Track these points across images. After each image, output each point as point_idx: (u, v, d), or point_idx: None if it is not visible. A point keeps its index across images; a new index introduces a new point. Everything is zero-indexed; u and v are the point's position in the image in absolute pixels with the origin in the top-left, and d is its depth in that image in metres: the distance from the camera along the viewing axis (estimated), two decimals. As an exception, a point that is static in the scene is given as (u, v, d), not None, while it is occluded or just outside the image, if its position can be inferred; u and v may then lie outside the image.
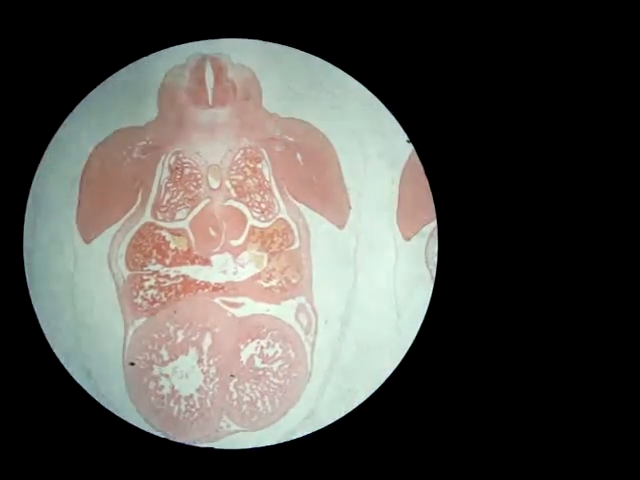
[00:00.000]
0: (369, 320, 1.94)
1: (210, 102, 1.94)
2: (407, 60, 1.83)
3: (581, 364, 1.76)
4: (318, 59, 1.90)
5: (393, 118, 1.92)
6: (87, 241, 1.91)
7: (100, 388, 1.89)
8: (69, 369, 1.88)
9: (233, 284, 1.93)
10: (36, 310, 1.85)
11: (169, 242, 1.93)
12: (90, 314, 1.90)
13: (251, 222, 1.94)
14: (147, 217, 1.93)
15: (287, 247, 1.94)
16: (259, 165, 1.95)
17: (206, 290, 1.93)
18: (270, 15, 1.83)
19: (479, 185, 1.80)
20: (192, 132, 1.94)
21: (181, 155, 1.93)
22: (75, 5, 1.77)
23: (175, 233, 1.92)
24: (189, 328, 1.92)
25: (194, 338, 1.92)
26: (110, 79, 1.88)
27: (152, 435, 1.87)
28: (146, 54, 1.87)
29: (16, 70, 1.74)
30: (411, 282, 1.94)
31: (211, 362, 1.92)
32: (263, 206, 1.94)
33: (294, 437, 1.91)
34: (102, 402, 1.87)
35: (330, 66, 1.91)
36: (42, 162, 1.86)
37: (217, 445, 1.90)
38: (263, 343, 1.93)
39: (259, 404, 1.92)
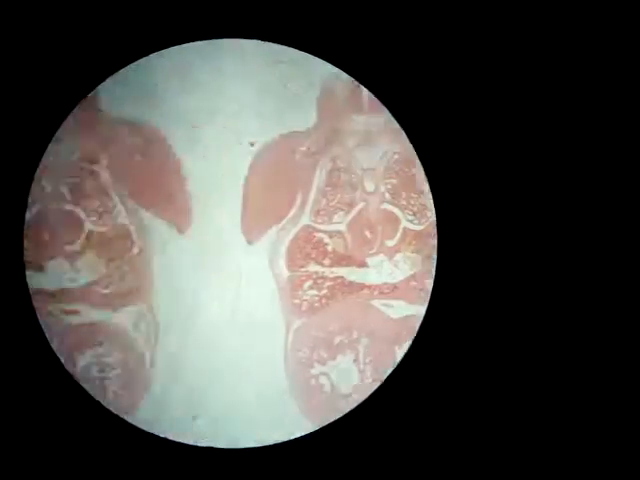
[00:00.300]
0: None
1: (365, 109, 1.99)
2: (407, 60, 1.84)
3: (580, 364, 1.76)
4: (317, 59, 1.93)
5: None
6: (249, 242, 1.97)
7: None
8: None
9: (389, 286, 1.97)
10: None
11: (327, 244, 1.98)
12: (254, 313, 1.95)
13: (404, 224, 1.99)
14: (306, 220, 1.98)
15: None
16: (413, 169, 1.99)
17: (363, 291, 1.97)
18: (269, 15, 1.84)
19: (477, 184, 1.80)
20: (348, 138, 1.99)
21: (338, 160, 1.99)
22: (75, 5, 1.77)
23: (333, 235, 1.97)
24: (346, 329, 1.96)
25: (351, 338, 1.96)
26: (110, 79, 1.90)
27: (152, 435, 1.88)
28: (146, 54, 1.89)
29: (16, 70, 1.74)
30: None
31: (367, 361, 1.96)
32: (416, 209, 1.99)
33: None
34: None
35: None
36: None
37: (218, 445, 1.92)
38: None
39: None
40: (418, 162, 1.99)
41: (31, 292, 1.82)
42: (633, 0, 1.78)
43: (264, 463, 1.79)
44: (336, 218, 1.99)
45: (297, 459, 1.80)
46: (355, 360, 1.97)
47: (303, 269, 1.98)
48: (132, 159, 1.94)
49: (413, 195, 1.99)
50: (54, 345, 1.85)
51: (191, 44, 1.89)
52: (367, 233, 1.98)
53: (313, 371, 1.97)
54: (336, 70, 1.94)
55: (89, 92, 1.86)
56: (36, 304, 1.82)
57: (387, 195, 1.99)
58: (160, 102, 1.93)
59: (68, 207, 1.92)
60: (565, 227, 1.79)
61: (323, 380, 1.96)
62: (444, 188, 1.84)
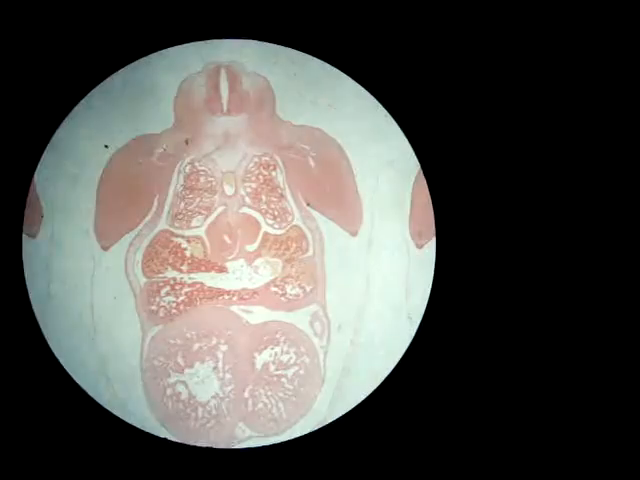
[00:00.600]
0: (381, 325, 1.96)
1: (225, 110, 1.95)
2: (406, 60, 1.84)
3: (579, 365, 1.77)
4: (317, 59, 1.92)
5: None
6: (105, 248, 1.92)
7: (118, 393, 1.90)
8: (80, 375, 1.88)
9: (248, 291, 1.94)
10: (47, 316, 1.86)
11: (185, 249, 1.94)
12: (108, 321, 1.90)
13: (265, 229, 1.95)
14: (163, 225, 1.93)
15: (302, 254, 1.95)
16: (273, 172, 1.96)
17: (222, 297, 1.94)
18: (269, 15, 1.84)
19: (478, 187, 1.81)
20: (207, 140, 1.95)
21: (196, 163, 1.94)
22: (75, 5, 1.77)
23: (191, 240, 1.93)
24: (205, 335, 1.93)
25: (209, 345, 1.93)
26: (112, 78, 1.89)
27: (152, 435, 1.87)
28: (146, 54, 1.88)
29: (16, 70, 1.74)
30: (423, 290, 1.96)
31: (226, 368, 1.93)
32: (277, 213, 1.96)
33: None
34: (115, 406, 1.87)
35: (328, 66, 1.93)
36: (42, 161, 1.87)
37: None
38: (277, 350, 1.94)
39: (274, 410, 1.93)
40: (280, 164, 1.96)
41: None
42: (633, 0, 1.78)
43: (263, 463, 1.79)
44: (194, 222, 1.94)
45: (297, 459, 1.80)
46: (214, 368, 1.93)
47: (160, 275, 1.93)
48: None
49: (273, 199, 1.96)
50: None
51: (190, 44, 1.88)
52: (226, 238, 1.94)
53: (170, 380, 1.92)
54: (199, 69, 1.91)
55: (89, 92, 1.86)
56: None
57: (247, 199, 1.95)
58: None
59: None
60: (565, 228, 1.79)
61: (180, 388, 1.92)
62: (444, 188, 1.84)
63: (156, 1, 1.81)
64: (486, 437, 1.77)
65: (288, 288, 1.95)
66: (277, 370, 1.94)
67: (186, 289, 1.94)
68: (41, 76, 1.76)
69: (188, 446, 1.86)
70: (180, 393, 1.92)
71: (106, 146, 1.91)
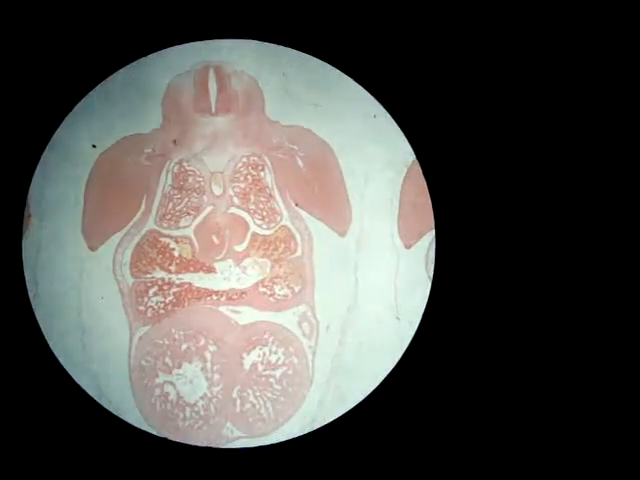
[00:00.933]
0: (370, 325, 1.96)
1: (213, 110, 1.95)
2: (405, 60, 1.85)
3: (579, 365, 1.77)
4: (316, 59, 1.92)
5: (395, 125, 1.94)
6: (93, 248, 1.91)
7: (106, 393, 1.90)
8: (73, 374, 1.88)
9: (236, 291, 1.94)
10: (38, 315, 1.85)
11: (173, 249, 1.93)
12: (96, 321, 1.90)
13: (253, 229, 1.95)
14: (151, 224, 1.93)
15: (290, 254, 1.95)
16: (262, 173, 1.96)
17: (210, 297, 1.93)
18: (268, 15, 1.84)
19: (478, 186, 1.81)
20: (195, 140, 1.95)
21: (185, 163, 1.94)
22: (75, 5, 1.77)
23: (179, 240, 1.93)
24: (193, 336, 1.92)
25: (198, 345, 1.92)
26: (110, 79, 1.89)
27: (152, 435, 1.87)
28: (146, 54, 1.88)
29: (16, 70, 1.74)
30: (411, 289, 1.96)
31: (215, 369, 1.92)
32: (265, 213, 1.96)
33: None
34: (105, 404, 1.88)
35: (328, 67, 1.92)
36: (41, 162, 1.86)
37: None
38: (266, 350, 1.94)
39: (262, 411, 1.93)
40: (269, 165, 1.96)
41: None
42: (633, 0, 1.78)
43: (263, 463, 1.79)
44: (183, 222, 1.94)
45: (297, 459, 1.80)
46: (203, 368, 1.92)
47: (149, 275, 1.93)
48: None
49: (262, 199, 1.96)
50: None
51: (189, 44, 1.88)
52: (214, 238, 1.94)
53: (157, 380, 1.92)
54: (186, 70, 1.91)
55: (88, 91, 1.85)
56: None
57: (235, 199, 1.95)
58: None
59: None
60: (566, 229, 1.79)
61: (168, 389, 1.92)
62: (443, 189, 1.84)
63: (156, 1, 1.80)
64: (486, 437, 1.77)
65: (277, 288, 1.95)
66: (265, 370, 1.94)
67: (174, 289, 1.93)
68: (41, 76, 1.76)
69: (188, 446, 1.86)
70: (168, 394, 1.91)
71: (94, 146, 1.90)
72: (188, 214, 1.94)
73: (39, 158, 1.83)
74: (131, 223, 1.93)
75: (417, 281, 1.96)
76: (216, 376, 1.93)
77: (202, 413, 1.92)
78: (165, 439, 1.86)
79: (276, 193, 1.96)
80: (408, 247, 1.97)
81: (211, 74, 1.94)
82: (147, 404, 1.91)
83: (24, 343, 1.74)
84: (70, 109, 1.85)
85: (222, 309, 1.94)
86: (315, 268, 1.95)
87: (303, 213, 1.96)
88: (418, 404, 1.78)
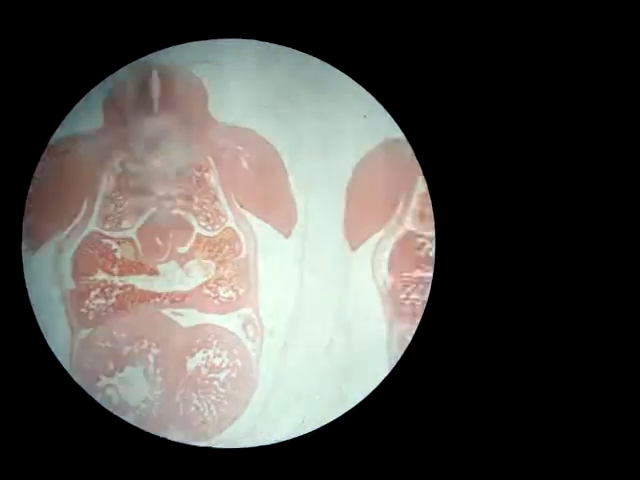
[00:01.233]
0: (316, 329, 1.95)
1: (156, 110, 1.93)
2: (406, 60, 1.83)
3: (579, 365, 1.77)
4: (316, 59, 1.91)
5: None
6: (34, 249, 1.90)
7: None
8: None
9: (180, 294, 1.92)
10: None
11: (116, 251, 1.92)
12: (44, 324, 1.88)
13: (198, 230, 1.93)
14: (93, 226, 1.91)
15: (235, 256, 1.93)
16: (206, 173, 1.94)
17: (153, 300, 1.92)
18: (268, 15, 1.83)
19: (477, 185, 1.79)
20: (138, 140, 1.93)
21: (127, 164, 1.92)
22: (75, 5, 1.76)
23: (121, 242, 1.91)
24: (136, 338, 1.91)
25: (140, 348, 1.91)
26: (109, 78, 1.88)
27: (152, 435, 1.85)
28: (145, 54, 1.87)
29: (16, 70, 1.73)
30: (356, 291, 1.95)
31: (158, 372, 1.91)
32: (209, 215, 1.94)
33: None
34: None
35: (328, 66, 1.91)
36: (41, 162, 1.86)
37: (214, 445, 1.90)
38: (210, 353, 1.92)
39: (206, 414, 1.92)
40: (213, 165, 1.94)
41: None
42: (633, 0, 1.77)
43: (262, 463, 1.77)
44: (125, 224, 1.92)
45: (296, 459, 1.78)
46: (145, 371, 1.91)
47: (90, 277, 1.91)
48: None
49: (206, 200, 1.94)
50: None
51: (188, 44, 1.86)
52: (158, 240, 1.92)
53: (99, 384, 1.90)
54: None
55: (88, 91, 1.84)
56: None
57: (179, 200, 1.93)
58: None
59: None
60: (566, 231, 1.77)
61: (110, 392, 1.90)
62: (443, 190, 1.81)
63: (156, 1, 1.79)
64: (486, 437, 1.76)
65: (221, 291, 1.93)
66: (209, 373, 1.92)
67: (117, 292, 1.91)
68: (41, 76, 1.74)
69: (187, 446, 1.85)
70: (111, 397, 1.90)
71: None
72: (131, 216, 1.92)
73: (39, 158, 1.82)
74: (72, 225, 1.91)
75: (362, 283, 1.95)
76: (159, 379, 1.91)
77: (144, 416, 1.90)
78: (165, 439, 1.85)
79: (220, 194, 1.95)
80: (354, 249, 1.96)
81: (154, 74, 1.91)
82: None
83: (24, 343, 1.72)
84: (69, 108, 1.83)
85: (165, 312, 1.93)
86: (259, 270, 1.94)
87: (248, 215, 1.94)
88: (418, 405, 1.77)
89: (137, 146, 1.92)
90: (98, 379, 1.90)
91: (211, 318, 1.94)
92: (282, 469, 1.77)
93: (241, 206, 1.93)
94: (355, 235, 1.97)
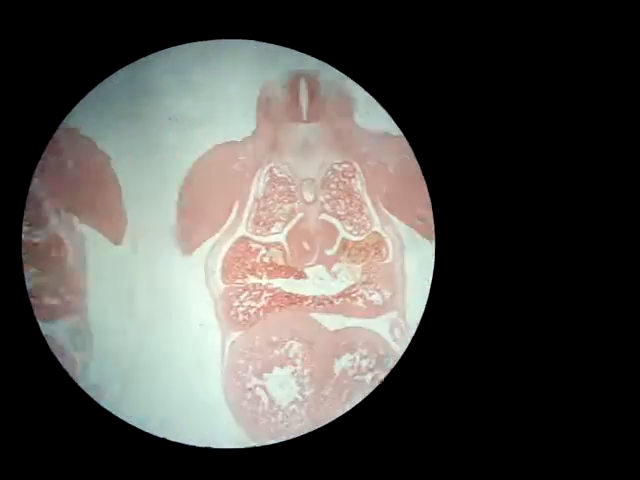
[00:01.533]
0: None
1: (305, 118, 1.97)
2: (407, 60, 1.84)
3: (579, 366, 1.76)
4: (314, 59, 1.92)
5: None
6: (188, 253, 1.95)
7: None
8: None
9: (327, 297, 1.96)
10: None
11: (264, 255, 1.96)
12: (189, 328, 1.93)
13: (343, 235, 1.97)
14: (242, 231, 1.96)
15: (381, 260, 1.96)
16: (353, 180, 1.98)
17: (301, 303, 1.95)
18: (268, 15, 1.84)
19: (478, 188, 1.79)
20: (287, 147, 1.97)
21: (276, 170, 1.96)
22: (75, 5, 1.77)
23: (271, 247, 1.95)
24: (284, 341, 1.95)
25: (289, 350, 1.95)
26: (109, 79, 1.89)
27: (152, 435, 1.86)
28: (145, 54, 1.88)
29: (16, 70, 1.74)
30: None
31: (305, 373, 1.94)
32: (356, 220, 1.97)
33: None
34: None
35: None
36: (41, 162, 1.86)
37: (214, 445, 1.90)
38: (357, 355, 1.95)
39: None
40: (359, 171, 1.97)
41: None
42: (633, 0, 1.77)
43: (262, 463, 1.78)
44: (274, 229, 1.96)
45: (296, 459, 1.79)
46: (294, 372, 1.95)
47: (240, 281, 1.95)
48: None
49: (352, 206, 1.98)
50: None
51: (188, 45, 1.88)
52: (305, 244, 1.96)
53: (249, 384, 1.94)
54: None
55: (88, 91, 1.85)
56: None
57: (326, 206, 1.97)
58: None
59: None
60: (567, 232, 1.78)
61: (260, 392, 1.94)
62: (443, 190, 1.82)
63: (156, 1, 1.80)
64: (486, 437, 1.76)
65: (367, 295, 1.97)
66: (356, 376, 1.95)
67: (266, 294, 1.96)
68: (41, 76, 1.75)
69: (187, 446, 1.84)
70: (260, 397, 1.94)
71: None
72: (280, 220, 1.96)
73: (39, 158, 1.82)
74: (222, 229, 1.96)
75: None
76: (307, 380, 1.95)
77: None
78: (164, 439, 1.86)
79: (367, 199, 1.98)
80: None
81: (302, 83, 1.95)
82: (241, 409, 1.93)
83: (24, 343, 1.73)
84: (69, 108, 1.85)
85: (313, 314, 1.96)
86: (406, 274, 1.97)
87: (394, 219, 1.97)
88: (417, 405, 1.77)
89: (286, 153, 1.96)
90: (249, 379, 1.94)
91: (355, 321, 1.97)
92: (282, 469, 1.77)
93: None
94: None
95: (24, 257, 1.85)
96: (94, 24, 1.77)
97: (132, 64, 1.88)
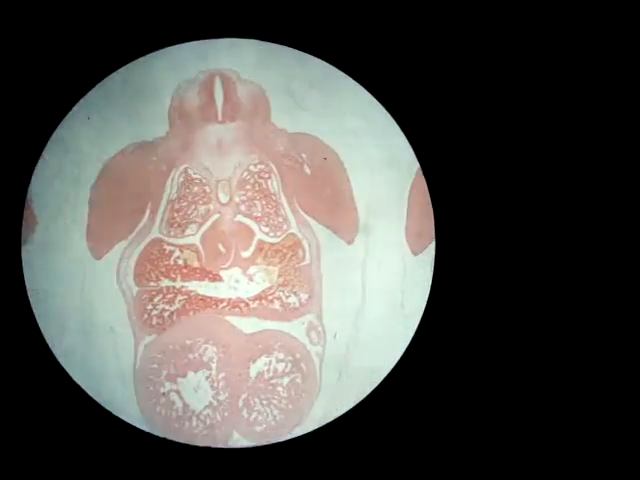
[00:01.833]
0: (378, 337, 1.95)
1: (219, 118, 1.94)
2: (407, 60, 1.83)
3: (579, 366, 1.77)
4: (317, 59, 1.90)
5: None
6: (98, 257, 1.91)
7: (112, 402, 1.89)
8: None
9: (242, 300, 1.93)
10: (41, 325, 1.85)
11: (178, 258, 1.93)
12: (100, 331, 1.89)
13: (260, 237, 1.94)
14: (155, 233, 1.92)
15: (297, 263, 1.94)
16: (268, 180, 1.95)
17: (215, 306, 1.93)
18: (268, 15, 1.83)
19: (479, 189, 1.79)
20: (201, 148, 1.94)
21: (190, 171, 1.93)
22: (74, 5, 1.77)
23: (185, 249, 1.92)
24: (198, 344, 1.92)
25: (203, 354, 1.92)
26: (109, 78, 1.87)
27: (152, 435, 1.86)
28: (145, 54, 1.87)
29: (16, 70, 1.74)
30: (419, 298, 1.95)
31: (220, 377, 1.92)
32: (272, 221, 1.95)
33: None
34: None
35: (331, 67, 1.91)
36: (40, 162, 1.86)
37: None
38: (272, 358, 1.93)
39: (269, 419, 1.92)
40: (275, 172, 1.95)
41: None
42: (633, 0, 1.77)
43: (262, 463, 1.78)
44: (189, 231, 1.93)
45: (296, 459, 1.79)
46: (208, 377, 1.92)
47: (154, 283, 1.92)
48: None
49: (269, 207, 1.95)
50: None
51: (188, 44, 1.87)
52: (221, 246, 1.93)
53: (163, 389, 1.91)
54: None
55: (88, 91, 1.84)
56: None
57: (242, 207, 1.94)
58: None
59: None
60: (564, 230, 1.78)
61: (174, 397, 1.91)
62: (444, 190, 1.82)
63: (156, 1, 1.80)
64: (486, 437, 1.76)
65: (283, 297, 1.94)
66: (272, 379, 1.93)
67: (180, 297, 1.93)
68: (41, 76, 1.75)
69: (188, 446, 1.85)
70: (174, 402, 1.91)
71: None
72: (194, 222, 1.93)
73: (39, 158, 1.82)
74: (135, 231, 1.92)
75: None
76: (222, 384, 1.92)
77: (208, 422, 1.91)
78: (165, 439, 1.85)
79: (283, 201, 1.95)
80: (415, 254, 1.96)
81: (217, 82, 1.92)
82: (154, 413, 1.90)
83: (24, 343, 1.73)
84: (69, 108, 1.84)
85: (227, 317, 1.94)
86: (323, 276, 1.95)
87: (311, 221, 1.95)
88: (417, 406, 1.77)
89: (201, 153, 1.93)
90: (162, 384, 1.91)
91: (272, 324, 1.95)
92: (282, 469, 1.78)
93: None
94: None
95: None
96: (94, 24, 1.78)
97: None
